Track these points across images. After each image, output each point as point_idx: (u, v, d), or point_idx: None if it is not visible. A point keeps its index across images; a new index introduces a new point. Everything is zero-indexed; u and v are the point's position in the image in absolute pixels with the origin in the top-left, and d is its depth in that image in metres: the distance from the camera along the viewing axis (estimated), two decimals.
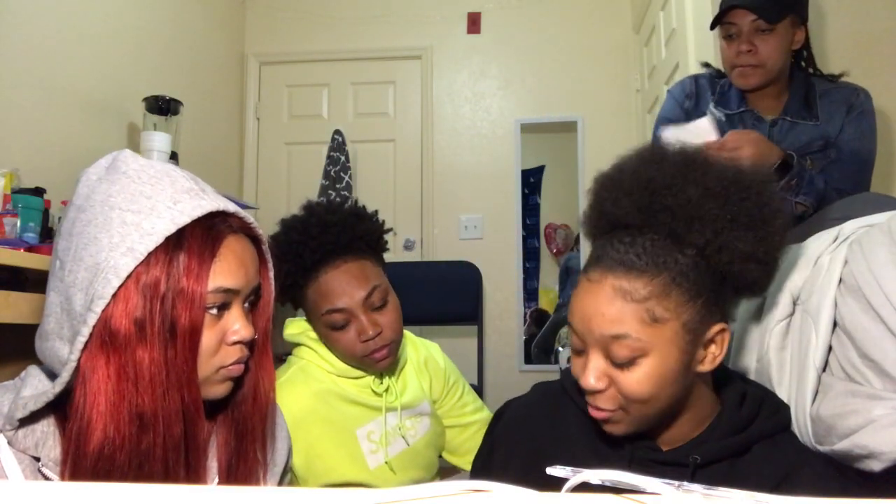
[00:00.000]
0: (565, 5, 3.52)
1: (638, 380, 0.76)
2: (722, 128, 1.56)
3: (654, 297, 0.75)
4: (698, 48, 2.30)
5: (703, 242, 0.77)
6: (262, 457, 0.80)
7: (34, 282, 1.37)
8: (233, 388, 0.77)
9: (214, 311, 0.70)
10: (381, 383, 1.24)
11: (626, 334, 0.75)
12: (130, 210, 0.67)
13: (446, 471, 1.41)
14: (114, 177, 0.69)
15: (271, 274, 0.81)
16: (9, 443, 0.66)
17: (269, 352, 0.81)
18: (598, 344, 0.78)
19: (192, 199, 0.69)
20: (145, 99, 2.37)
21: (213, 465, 0.77)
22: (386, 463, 1.21)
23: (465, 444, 1.36)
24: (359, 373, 1.22)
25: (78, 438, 0.64)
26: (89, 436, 0.64)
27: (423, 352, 1.37)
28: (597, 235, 0.87)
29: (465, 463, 1.36)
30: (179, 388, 0.67)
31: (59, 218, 1.91)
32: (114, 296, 0.64)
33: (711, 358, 0.80)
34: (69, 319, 0.66)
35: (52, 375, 0.70)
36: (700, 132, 1.28)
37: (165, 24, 2.86)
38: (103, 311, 0.64)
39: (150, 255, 0.65)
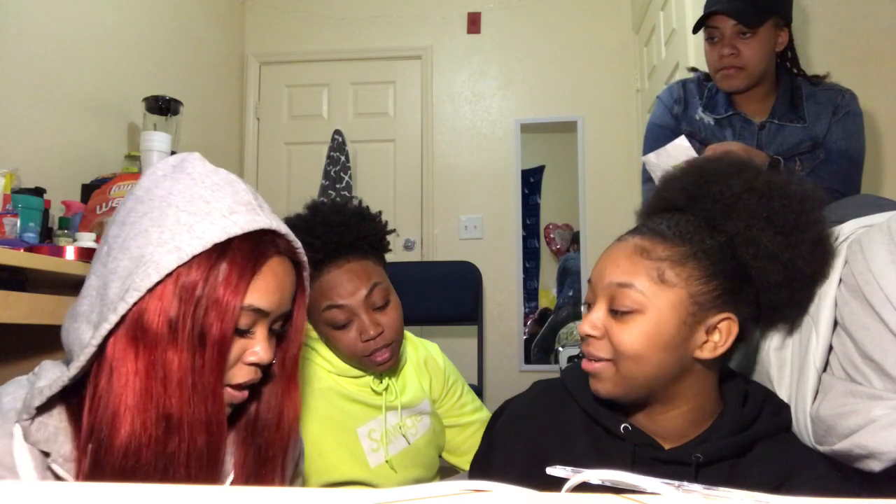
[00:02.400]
0: (565, 5, 3.52)
1: (630, 332, 0.79)
2: (712, 132, 1.57)
3: (669, 261, 0.80)
4: (698, 48, 2.30)
5: (734, 231, 0.82)
6: (281, 483, 0.79)
7: (34, 282, 1.37)
8: (255, 412, 0.77)
9: (241, 328, 0.70)
10: (381, 383, 1.24)
11: (631, 284, 0.79)
12: (187, 211, 0.67)
13: (446, 471, 1.41)
14: (178, 176, 0.70)
15: (307, 302, 0.80)
16: (23, 435, 0.66)
17: (296, 380, 0.80)
18: (605, 293, 0.82)
19: (248, 213, 0.70)
20: (145, 99, 2.37)
21: (227, 481, 0.76)
22: (387, 461, 1.21)
23: (465, 443, 1.37)
24: (359, 372, 1.22)
25: (102, 430, 0.64)
26: (117, 429, 0.64)
27: (422, 352, 1.37)
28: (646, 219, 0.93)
29: (465, 462, 1.36)
30: (204, 398, 0.66)
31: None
32: (151, 291, 0.65)
33: (712, 346, 0.80)
34: (101, 305, 0.67)
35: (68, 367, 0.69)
36: (679, 151, 1.30)
37: (165, 24, 2.86)
38: (139, 304, 0.65)
39: (193, 258, 0.66)
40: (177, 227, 0.66)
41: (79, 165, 2.24)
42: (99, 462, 0.64)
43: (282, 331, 0.77)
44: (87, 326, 0.67)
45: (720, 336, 0.81)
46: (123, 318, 0.65)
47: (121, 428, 0.63)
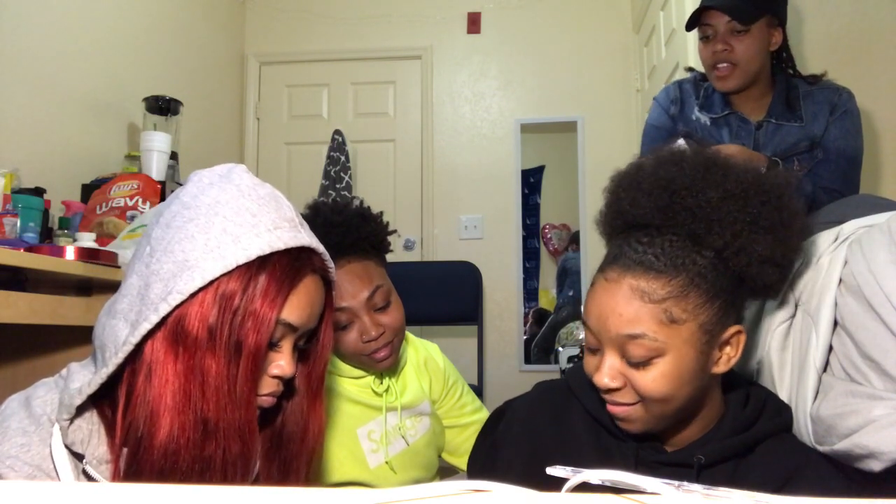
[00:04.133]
0: (565, 5, 3.52)
1: (654, 378, 0.76)
2: (709, 132, 1.57)
3: (672, 298, 0.76)
4: (697, 48, 2.29)
5: (721, 244, 0.78)
6: None
7: (34, 282, 1.37)
8: (280, 426, 0.79)
9: (271, 341, 0.71)
10: (381, 383, 1.24)
11: (643, 334, 0.75)
12: (234, 222, 0.69)
13: (446, 471, 1.41)
14: (226, 186, 0.72)
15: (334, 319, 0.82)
16: (62, 435, 0.67)
17: (321, 396, 0.82)
18: (613, 343, 0.78)
19: (290, 230, 0.72)
20: (145, 99, 2.37)
21: None
22: (386, 462, 1.21)
23: (464, 444, 1.37)
24: (359, 373, 1.22)
25: (140, 430, 0.65)
26: (156, 429, 0.65)
27: (422, 352, 1.37)
28: (612, 235, 0.87)
29: (465, 463, 1.36)
30: (238, 406, 0.67)
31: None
32: (193, 297, 0.66)
33: (726, 359, 0.80)
34: (140, 304, 0.67)
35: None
36: None
37: (165, 24, 2.86)
38: (180, 308, 0.66)
39: (236, 268, 0.67)
40: (223, 237, 0.68)
41: (79, 165, 2.24)
42: (138, 462, 0.65)
43: (305, 347, 0.79)
44: (124, 324, 0.68)
45: (732, 348, 0.80)
46: (164, 320, 0.66)
47: (160, 428, 0.64)
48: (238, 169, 0.75)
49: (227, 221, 0.69)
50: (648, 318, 0.75)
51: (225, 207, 0.70)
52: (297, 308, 0.72)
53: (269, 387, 0.73)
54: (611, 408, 0.81)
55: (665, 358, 0.76)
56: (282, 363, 0.73)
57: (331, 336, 0.82)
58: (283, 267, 0.70)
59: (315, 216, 1.16)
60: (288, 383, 0.76)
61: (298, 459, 0.80)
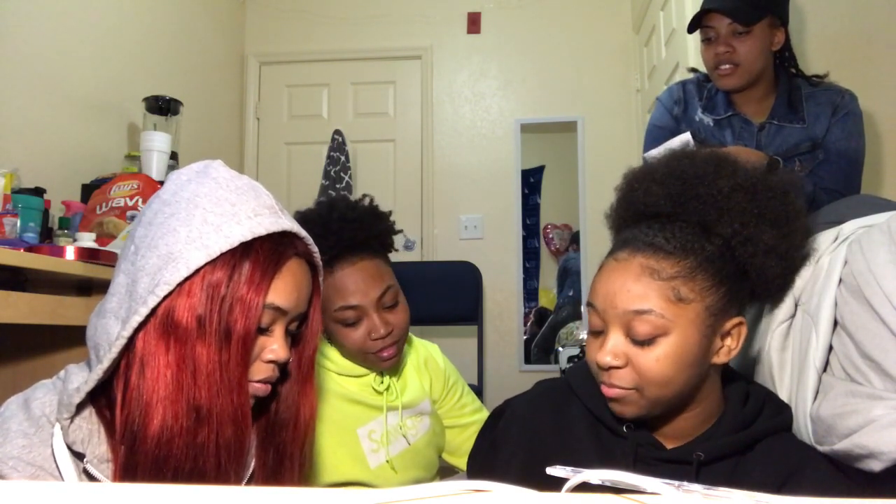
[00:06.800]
0: (565, 5, 3.52)
1: (657, 358, 0.77)
2: (712, 133, 1.57)
3: (681, 278, 0.78)
4: (698, 48, 2.30)
5: (730, 233, 0.81)
6: (296, 479, 0.82)
7: (34, 282, 1.37)
8: (274, 412, 0.80)
9: (261, 326, 0.72)
10: (382, 382, 1.24)
11: (651, 310, 0.77)
12: (214, 212, 0.70)
13: (446, 471, 1.41)
14: (203, 180, 0.73)
15: (321, 303, 0.83)
16: (63, 435, 0.67)
17: (312, 381, 0.83)
18: (619, 320, 0.79)
19: (271, 216, 0.73)
20: (145, 99, 2.37)
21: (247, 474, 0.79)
22: (387, 461, 1.21)
23: (465, 444, 1.37)
24: (361, 371, 1.22)
25: (135, 422, 0.66)
26: (149, 419, 0.66)
27: (422, 352, 1.37)
28: (622, 227, 0.90)
29: (465, 463, 1.36)
30: (230, 391, 0.68)
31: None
32: (180, 288, 0.67)
33: (727, 350, 0.81)
34: (129, 300, 0.69)
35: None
36: (683, 146, 1.29)
37: (165, 24, 2.86)
38: (168, 299, 0.67)
39: (219, 256, 0.68)
40: (204, 227, 0.69)
41: (79, 165, 2.23)
42: (133, 453, 0.66)
43: (297, 332, 0.80)
44: (115, 322, 0.69)
45: (732, 340, 0.81)
46: (154, 313, 0.67)
47: (153, 418, 0.66)
48: (215, 164, 0.76)
49: (207, 212, 0.70)
50: (656, 295, 0.77)
51: (204, 200, 0.71)
52: (283, 291, 0.73)
53: (264, 372, 0.74)
54: (605, 389, 0.81)
55: (669, 338, 0.77)
56: (275, 347, 0.74)
57: (319, 321, 0.83)
58: (265, 252, 0.71)
59: (330, 212, 1.17)
60: (281, 369, 0.77)
61: (293, 445, 0.81)
